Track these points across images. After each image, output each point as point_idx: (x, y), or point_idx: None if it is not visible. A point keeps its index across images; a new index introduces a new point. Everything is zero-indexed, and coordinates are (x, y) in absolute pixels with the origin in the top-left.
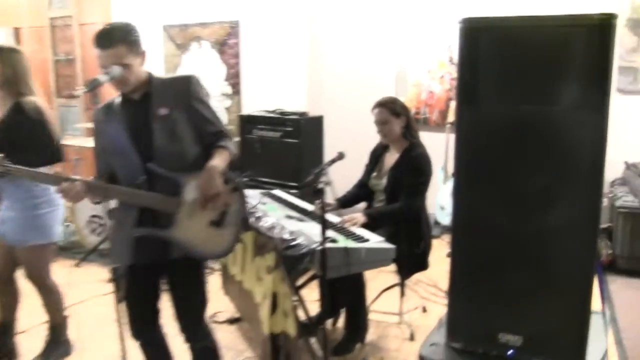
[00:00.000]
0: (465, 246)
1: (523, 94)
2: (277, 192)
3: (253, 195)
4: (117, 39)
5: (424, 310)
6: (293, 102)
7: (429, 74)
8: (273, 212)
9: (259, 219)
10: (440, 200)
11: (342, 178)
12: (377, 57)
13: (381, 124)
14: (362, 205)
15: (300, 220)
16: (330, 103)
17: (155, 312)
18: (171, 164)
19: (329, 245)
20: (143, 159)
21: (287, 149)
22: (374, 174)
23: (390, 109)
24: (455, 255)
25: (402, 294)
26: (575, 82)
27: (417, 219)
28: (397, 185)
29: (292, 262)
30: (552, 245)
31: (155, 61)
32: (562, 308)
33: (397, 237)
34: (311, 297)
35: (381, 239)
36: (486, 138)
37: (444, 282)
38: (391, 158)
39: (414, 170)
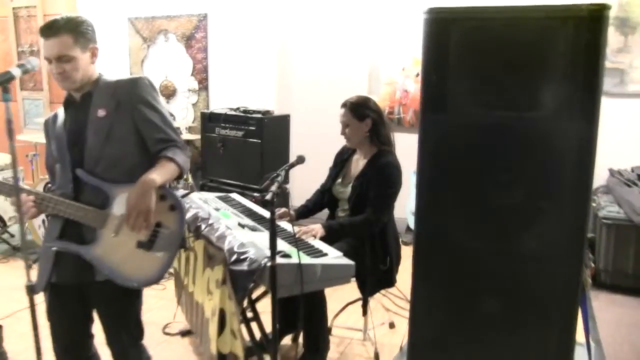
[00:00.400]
0: (429, 271)
1: (499, 98)
2: (235, 196)
3: (208, 199)
4: (62, 27)
5: (391, 326)
6: (262, 100)
7: (403, 71)
8: (226, 219)
9: (211, 226)
10: (412, 205)
11: (309, 182)
12: (349, 53)
13: (343, 126)
14: (325, 212)
15: (254, 229)
16: (299, 101)
17: (84, 338)
18: (104, 171)
19: (279, 260)
20: (73, 165)
21: (249, 149)
22: (339, 180)
23: (352, 110)
24: (418, 281)
25: (365, 312)
26: (560, 84)
27: (383, 232)
28: (362, 195)
29: (239, 278)
30: (531, 270)
31: (121, 54)
32: (542, 341)
33: (360, 251)
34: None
35: (339, 254)
36: (455, 148)
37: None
38: (357, 164)
39: (381, 180)
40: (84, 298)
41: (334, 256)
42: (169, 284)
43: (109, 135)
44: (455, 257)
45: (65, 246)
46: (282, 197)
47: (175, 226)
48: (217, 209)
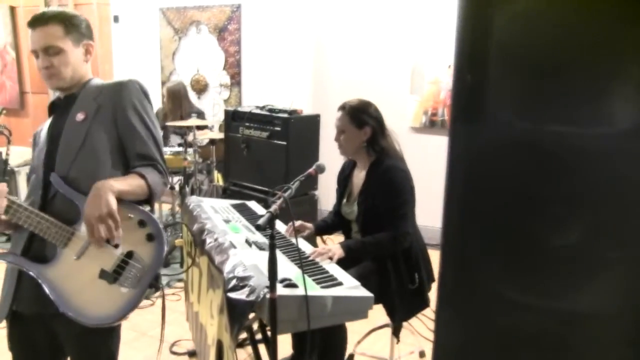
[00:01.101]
0: (456, 327)
1: (554, 107)
2: (252, 204)
3: (221, 207)
4: (52, 17)
5: (422, 355)
6: (295, 98)
7: (449, 69)
8: (234, 233)
9: (216, 241)
10: None
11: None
12: (391, 49)
13: (338, 132)
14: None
15: (262, 248)
16: (335, 101)
17: None
18: (77, 182)
19: (282, 291)
20: (46, 170)
21: (274, 151)
22: (344, 200)
23: (351, 115)
24: (440, 339)
25: (397, 339)
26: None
27: (407, 245)
28: (369, 212)
29: (237, 308)
30: (584, 334)
31: (152, 47)
32: None
33: (383, 271)
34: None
35: (356, 283)
36: (494, 170)
37: None
38: (359, 178)
39: (386, 190)
40: (51, 330)
41: (349, 286)
42: (183, 294)
43: (84, 142)
44: (488, 307)
45: (16, 262)
46: (310, 204)
47: (150, 260)
48: (227, 221)
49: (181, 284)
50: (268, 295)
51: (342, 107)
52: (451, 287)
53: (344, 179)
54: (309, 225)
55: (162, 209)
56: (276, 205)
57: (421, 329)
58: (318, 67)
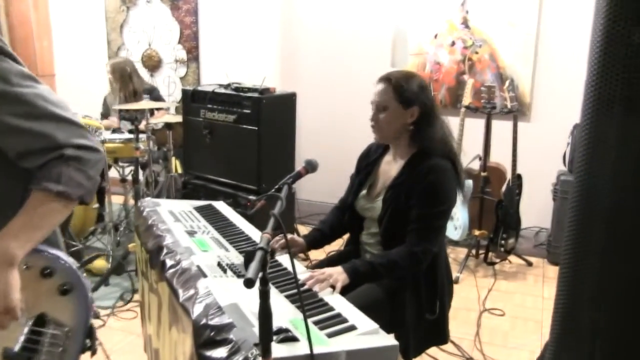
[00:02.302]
0: None
1: None
2: (220, 205)
3: (182, 212)
4: None
5: None
6: (263, 74)
7: (435, 40)
8: (202, 251)
9: (179, 265)
10: (457, 215)
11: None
12: (370, 17)
13: (377, 109)
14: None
15: (239, 274)
16: (309, 77)
17: None
18: None
19: (278, 352)
20: None
21: (243, 138)
22: (363, 191)
23: (398, 89)
24: None
25: None
26: None
27: (432, 265)
28: (398, 214)
29: None
30: None
31: (96, 19)
32: None
33: (398, 296)
34: None
35: (373, 325)
36: None
37: (469, 341)
38: (390, 169)
39: (426, 193)
40: None
41: (365, 330)
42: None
43: None
44: None
45: None
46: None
47: (73, 320)
48: (191, 233)
49: (138, 297)
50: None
51: (387, 79)
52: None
53: (366, 166)
54: (300, 240)
55: (113, 202)
56: (267, 234)
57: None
58: (287, 39)
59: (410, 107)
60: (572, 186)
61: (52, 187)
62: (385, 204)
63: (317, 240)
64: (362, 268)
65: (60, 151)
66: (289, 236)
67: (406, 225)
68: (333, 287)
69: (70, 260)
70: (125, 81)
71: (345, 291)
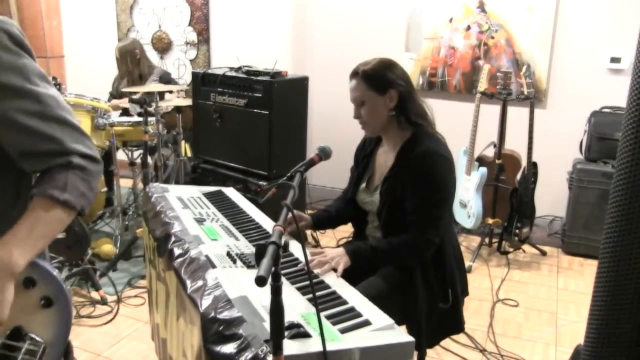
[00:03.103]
0: None
1: None
2: (230, 192)
3: (191, 198)
4: None
5: None
6: (274, 58)
7: (450, 24)
8: (212, 240)
9: (187, 254)
10: (460, 194)
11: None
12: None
13: (357, 105)
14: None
15: (251, 265)
16: (321, 60)
17: None
18: None
19: (290, 348)
20: None
21: (254, 122)
22: (363, 185)
23: (368, 79)
24: None
25: None
26: None
27: (440, 253)
28: (395, 206)
29: None
30: None
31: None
32: None
33: (408, 285)
34: None
35: (388, 320)
36: None
37: (482, 332)
38: (387, 158)
39: (421, 179)
40: None
41: (379, 325)
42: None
43: None
44: None
45: None
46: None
47: (51, 335)
48: (200, 220)
49: (146, 283)
50: (270, 359)
51: (354, 73)
52: None
53: (363, 157)
54: (306, 216)
55: (121, 186)
56: (280, 227)
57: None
58: (299, 21)
59: (385, 92)
60: (615, 182)
61: (58, 195)
62: (382, 197)
63: (324, 219)
64: (364, 252)
65: (67, 158)
66: (296, 212)
67: (405, 217)
68: (334, 269)
69: (53, 271)
70: (133, 65)
71: (356, 280)
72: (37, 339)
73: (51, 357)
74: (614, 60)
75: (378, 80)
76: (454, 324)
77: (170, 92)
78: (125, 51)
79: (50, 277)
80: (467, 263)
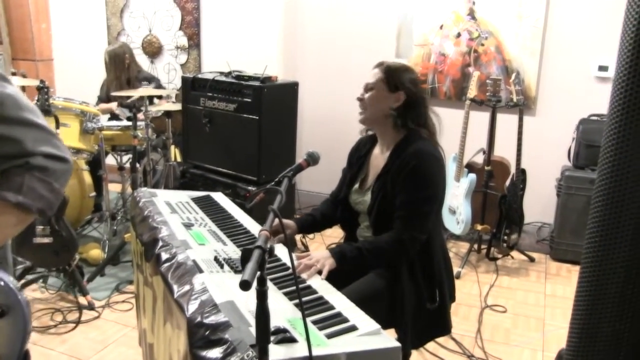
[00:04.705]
0: None
1: None
2: (218, 197)
3: (179, 203)
4: None
5: None
6: (265, 63)
7: (440, 30)
8: (199, 244)
9: (174, 259)
10: (449, 200)
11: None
12: (374, 6)
13: (365, 89)
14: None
15: (236, 269)
16: (311, 66)
17: None
18: None
19: (276, 354)
20: None
21: (244, 127)
22: (356, 186)
23: (387, 73)
24: None
25: None
26: None
27: (427, 252)
28: (386, 204)
29: None
30: None
31: (96, 3)
32: None
33: (396, 289)
34: None
35: (375, 326)
36: None
37: (470, 338)
38: (380, 159)
39: (410, 177)
40: None
41: (366, 331)
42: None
43: None
44: None
45: None
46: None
47: (5, 347)
48: (188, 225)
49: (134, 288)
50: None
51: (380, 64)
52: None
53: (357, 159)
54: (290, 222)
55: (110, 190)
56: (266, 232)
57: None
58: (290, 27)
59: (396, 91)
60: (596, 188)
61: (11, 198)
62: (373, 195)
63: (308, 224)
64: (349, 253)
65: (26, 159)
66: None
67: (394, 214)
68: (320, 272)
69: (8, 280)
70: (121, 69)
71: (344, 283)
72: None
73: None
74: (602, 68)
75: (394, 79)
76: (441, 326)
77: (160, 97)
78: (115, 55)
79: (3, 285)
80: (456, 269)
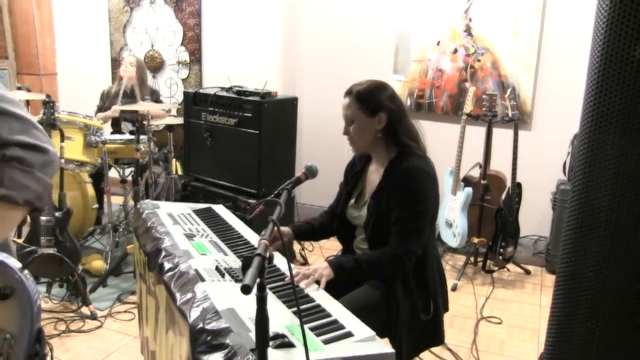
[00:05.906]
0: None
1: None
2: (220, 209)
3: (181, 215)
4: None
5: None
6: (265, 78)
7: (438, 46)
8: (201, 255)
9: (177, 268)
10: (446, 214)
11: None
12: (372, 23)
13: (347, 122)
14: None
15: (239, 279)
16: (311, 81)
17: None
18: None
19: (275, 358)
20: None
21: (244, 141)
22: (352, 201)
23: (360, 100)
24: None
25: None
26: None
27: (421, 265)
28: (382, 219)
29: None
30: None
31: (99, 19)
32: None
33: (391, 300)
34: None
35: (369, 332)
36: None
37: (466, 349)
38: (375, 176)
39: (404, 194)
40: None
41: (361, 337)
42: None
43: None
44: None
45: None
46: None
47: (16, 327)
48: (190, 235)
49: (135, 298)
50: None
51: (349, 92)
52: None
53: (353, 175)
54: (287, 230)
55: (112, 203)
56: (265, 241)
57: None
58: (290, 43)
59: (375, 114)
60: (570, 198)
61: (6, 194)
62: (369, 211)
63: (305, 231)
64: (347, 264)
65: (2, 151)
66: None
67: (390, 228)
68: (318, 282)
69: (10, 262)
70: (138, 78)
71: (341, 293)
72: (1, 330)
73: (19, 347)
74: None
75: (369, 102)
76: (435, 336)
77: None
78: (140, 65)
79: (7, 268)
80: (452, 281)
